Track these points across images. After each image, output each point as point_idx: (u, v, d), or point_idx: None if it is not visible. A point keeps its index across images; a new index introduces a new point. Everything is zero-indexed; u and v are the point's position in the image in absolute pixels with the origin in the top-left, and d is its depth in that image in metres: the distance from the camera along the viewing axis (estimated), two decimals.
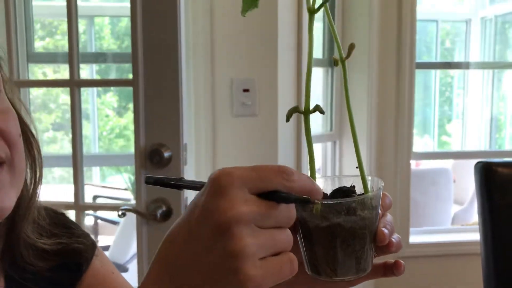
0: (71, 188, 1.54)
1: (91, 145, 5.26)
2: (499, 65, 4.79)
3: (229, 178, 0.43)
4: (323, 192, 0.53)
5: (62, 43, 5.22)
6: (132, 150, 1.47)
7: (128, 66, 4.33)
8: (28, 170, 0.68)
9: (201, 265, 0.43)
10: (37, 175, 0.69)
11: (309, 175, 0.49)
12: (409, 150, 2.45)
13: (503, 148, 5.39)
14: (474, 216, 3.67)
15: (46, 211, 0.73)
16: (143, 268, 1.50)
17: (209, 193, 0.44)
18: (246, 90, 1.83)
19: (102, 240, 3.89)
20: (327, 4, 0.49)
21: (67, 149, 5.36)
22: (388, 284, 2.37)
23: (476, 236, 1.59)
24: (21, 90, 1.59)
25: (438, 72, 5.77)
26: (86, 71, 4.51)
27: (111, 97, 5.69)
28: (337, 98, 2.46)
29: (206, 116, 1.88)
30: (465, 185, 4.24)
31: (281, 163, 1.79)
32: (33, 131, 0.70)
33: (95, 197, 4.05)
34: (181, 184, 0.51)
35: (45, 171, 0.72)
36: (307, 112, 0.49)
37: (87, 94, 4.98)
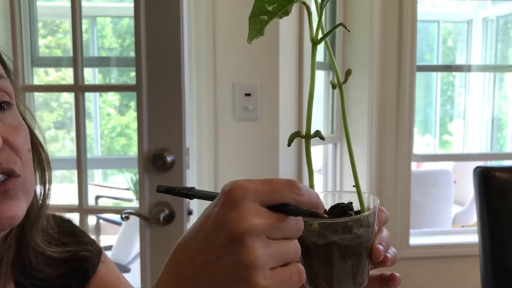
0: (72, 187, 1.55)
1: (93, 144, 5.28)
2: (500, 68, 4.79)
3: (242, 191, 0.45)
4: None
5: (64, 41, 5.24)
6: (133, 149, 1.49)
7: (125, 57, 4.33)
8: (37, 181, 0.70)
9: (212, 273, 0.45)
10: (47, 186, 0.72)
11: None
12: (410, 152, 2.47)
13: (505, 147, 5.40)
14: (475, 217, 3.68)
15: (54, 220, 0.76)
16: (146, 271, 1.52)
17: (223, 205, 0.46)
18: (248, 95, 1.85)
19: (104, 240, 3.91)
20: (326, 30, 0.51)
21: (69, 147, 5.39)
22: None
23: (476, 238, 1.61)
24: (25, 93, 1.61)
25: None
26: (88, 70, 4.53)
27: (112, 95, 5.71)
28: (338, 101, 2.47)
29: (208, 120, 1.90)
30: (465, 186, 4.26)
31: (282, 166, 1.81)
32: (42, 143, 0.72)
33: (97, 197, 4.07)
34: (192, 194, 0.52)
35: None
36: (308, 137, 0.51)
37: (89, 93, 5.00)
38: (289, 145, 0.50)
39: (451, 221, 4.01)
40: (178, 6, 1.43)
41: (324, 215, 0.48)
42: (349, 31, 0.65)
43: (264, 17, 0.49)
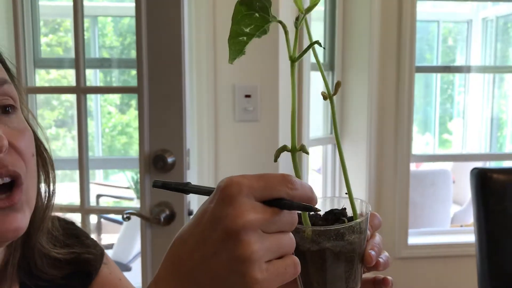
0: (73, 185, 1.57)
1: (94, 143, 5.30)
2: (499, 69, 4.81)
3: (238, 187, 0.46)
4: (318, 213, 0.57)
5: (65, 39, 5.26)
6: (134, 147, 1.51)
7: (126, 59, 4.35)
8: (42, 184, 0.72)
9: (209, 268, 0.46)
10: (51, 189, 0.73)
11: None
12: (409, 152, 2.48)
13: (504, 146, 5.41)
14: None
15: (58, 222, 0.77)
16: (147, 271, 1.54)
17: (219, 201, 0.47)
18: (248, 96, 1.87)
19: (105, 239, 3.93)
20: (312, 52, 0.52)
21: (70, 145, 5.41)
22: None
23: (474, 238, 1.63)
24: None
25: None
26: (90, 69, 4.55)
27: (113, 94, 5.72)
28: (337, 102, 2.49)
29: (209, 121, 1.92)
30: (464, 186, 4.27)
31: (282, 166, 1.82)
32: (46, 147, 0.74)
33: (98, 196, 4.09)
34: (188, 189, 0.53)
35: None
36: (294, 151, 0.53)
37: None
38: (275, 160, 0.51)
39: (450, 221, 4.03)
40: (179, 8, 1.45)
41: (317, 208, 0.49)
42: (324, 48, 0.66)
43: (243, 38, 0.50)
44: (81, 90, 1.55)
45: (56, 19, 5.24)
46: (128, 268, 3.05)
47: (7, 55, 0.70)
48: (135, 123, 5.62)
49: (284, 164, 1.96)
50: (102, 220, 3.83)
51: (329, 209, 0.57)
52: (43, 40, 4.95)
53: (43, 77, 4.62)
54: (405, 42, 2.40)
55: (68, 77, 4.96)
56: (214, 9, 1.87)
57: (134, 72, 1.50)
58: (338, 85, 0.54)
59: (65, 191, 3.36)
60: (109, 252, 3.14)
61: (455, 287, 2.53)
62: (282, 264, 0.47)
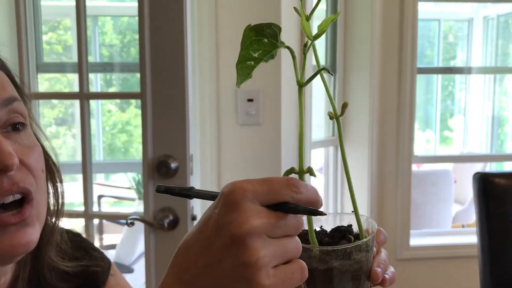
0: (74, 185, 1.57)
1: (95, 141, 5.31)
2: (500, 71, 4.81)
3: (242, 192, 0.46)
4: (324, 230, 0.57)
5: (64, 37, 5.26)
6: (134, 145, 1.51)
7: (129, 63, 4.36)
8: (51, 198, 0.73)
9: (215, 275, 0.46)
10: (60, 202, 0.74)
11: (306, 222, 0.53)
12: (410, 154, 2.49)
13: (505, 143, 5.40)
14: (475, 216, 3.71)
15: (67, 235, 0.78)
16: (151, 276, 1.55)
17: (223, 207, 0.46)
18: (250, 100, 1.88)
19: (107, 239, 3.94)
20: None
21: (70, 144, 5.42)
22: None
23: (476, 239, 1.64)
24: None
25: (441, 66, 5.80)
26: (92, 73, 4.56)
27: (113, 92, 5.72)
28: (339, 103, 2.49)
29: (211, 125, 1.92)
30: (465, 185, 4.28)
31: (284, 171, 1.83)
32: (55, 160, 0.75)
33: (100, 197, 4.10)
34: (191, 194, 0.52)
35: None
36: (301, 173, 0.53)
37: (91, 89, 5.03)
38: None
39: (452, 219, 4.04)
40: (182, 13, 1.45)
41: (323, 212, 0.48)
42: (332, 74, 0.66)
43: (251, 63, 0.51)
44: (84, 96, 1.55)
45: (55, 18, 5.25)
46: (130, 270, 3.06)
47: (10, 62, 0.70)
48: (135, 121, 5.63)
49: (286, 168, 1.96)
50: (103, 220, 3.84)
51: (333, 225, 0.58)
52: (43, 38, 4.96)
53: (43, 76, 4.62)
54: (407, 44, 2.40)
55: (68, 75, 4.96)
56: (216, 13, 1.87)
57: (138, 74, 1.50)
58: (344, 106, 0.54)
59: (67, 191, 3.36)
60: (111, 254, 3.16)
61: None
62: (289, 269, 0.47)
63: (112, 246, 3.55)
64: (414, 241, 2.56)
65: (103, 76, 5.29)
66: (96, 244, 3.17)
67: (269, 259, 0.45)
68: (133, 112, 5.67)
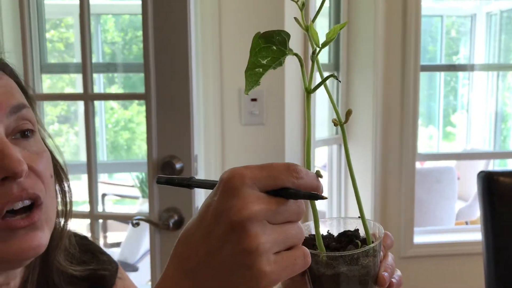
0: (77, 183, 1.58)
1: (98, 138, 5.32)
2: (503, 68, 4.80)
3: (241, 179, 0.45)
4: (331, 234, 0.57)
5: (66, 35, 5.26)
6: (137, 142, 1.51)
7: (132, 63, 4.37)
8: (59, 203, 0.73)
9: (215, 261, 0.45)
10: (68, 207, 0.75)
11: (313, 227, 0.54)
12: (414, 151, 2.49)
13: (508, 138, 5.39)
14: (478, 212, 3.71)
15: (75, 238, 0.79)
16: (156, 276, 1.55)
17: (222, 194, 0.46)
18: (254, 100, 1.88)
19: (111, 237, 3.96)
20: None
21: (73, 141, 5.43)
22: None
23: (480, 236, 1.64)
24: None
25: (443, 62, 5.78)
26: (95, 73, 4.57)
27: (116, 90, 5.74)
28: (342, 101, 2.49)
29: (215, 125, 1.92)
30: (469, 182, 4.28)
31: None
32: (63, 166, 0.75)
33: (103, 195, 4.11)
34: (191, 183, 0.52)
35: None
36: None
37: (94, 87, 5.04)
38: None
39: (455, 216, 4.04)
40: (185, 14, 1.45)
41: (324, 196, 0.48)
42: (339, 81, 0.66)
43: (260, 70, 0.51)
44: (89, 97, 1.55)
45: (57, 16, 5.25)
46: (135, 269, 3.07)
47: (15, 63, 0.71)
48: (138, 119, 5.64)
49: None
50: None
51: (336, 230, 0.58)
52: (45, 35, 4.96)
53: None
54: (410, 42, 2.40)
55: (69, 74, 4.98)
56: (220, 13, 1.87)
57: (143, 71, 1.50)
58: (348, 113, 0.54)
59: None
60: (115, 252, 3.17)
61: (461, 286, 2.54)
62: (291, 255, 0.46)
63: (117, 244, 3.56)
64: (418, 239, 2.56)
65: (106, 74, 5.30)
66: (101, 242, 3.18)
67: (270, 245, 0.45)
68: (135, 110, 5.68)
